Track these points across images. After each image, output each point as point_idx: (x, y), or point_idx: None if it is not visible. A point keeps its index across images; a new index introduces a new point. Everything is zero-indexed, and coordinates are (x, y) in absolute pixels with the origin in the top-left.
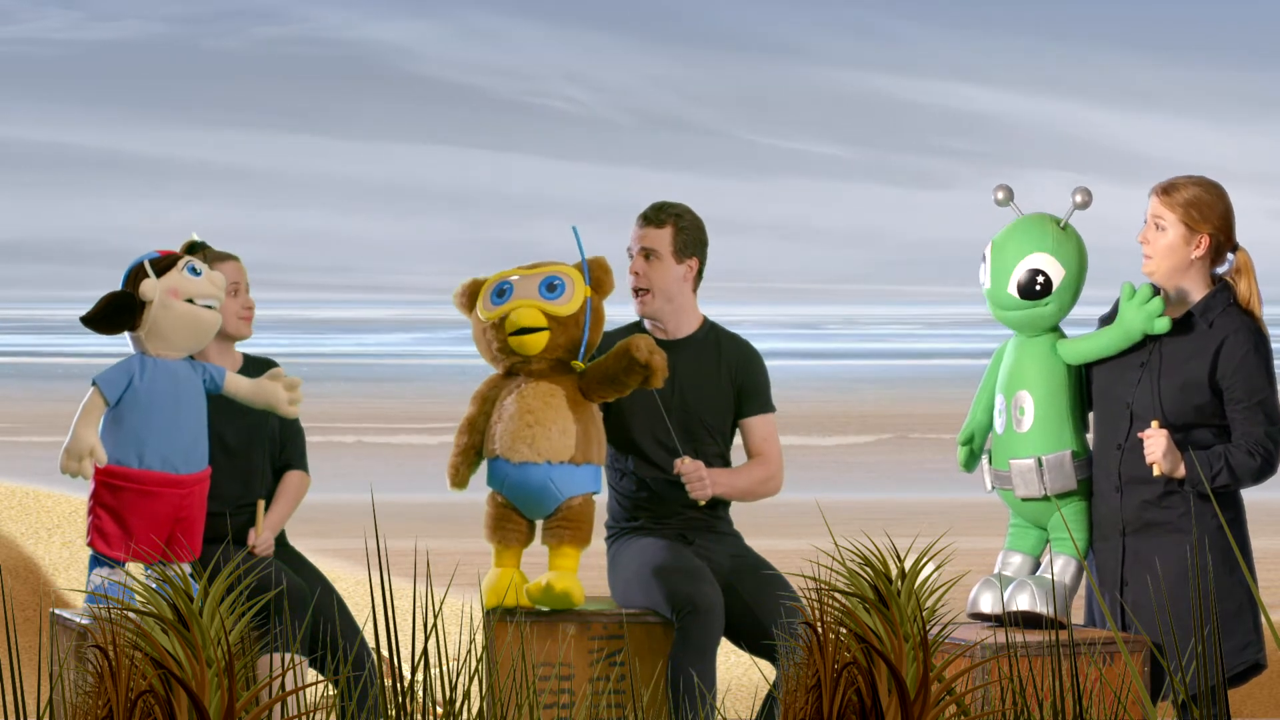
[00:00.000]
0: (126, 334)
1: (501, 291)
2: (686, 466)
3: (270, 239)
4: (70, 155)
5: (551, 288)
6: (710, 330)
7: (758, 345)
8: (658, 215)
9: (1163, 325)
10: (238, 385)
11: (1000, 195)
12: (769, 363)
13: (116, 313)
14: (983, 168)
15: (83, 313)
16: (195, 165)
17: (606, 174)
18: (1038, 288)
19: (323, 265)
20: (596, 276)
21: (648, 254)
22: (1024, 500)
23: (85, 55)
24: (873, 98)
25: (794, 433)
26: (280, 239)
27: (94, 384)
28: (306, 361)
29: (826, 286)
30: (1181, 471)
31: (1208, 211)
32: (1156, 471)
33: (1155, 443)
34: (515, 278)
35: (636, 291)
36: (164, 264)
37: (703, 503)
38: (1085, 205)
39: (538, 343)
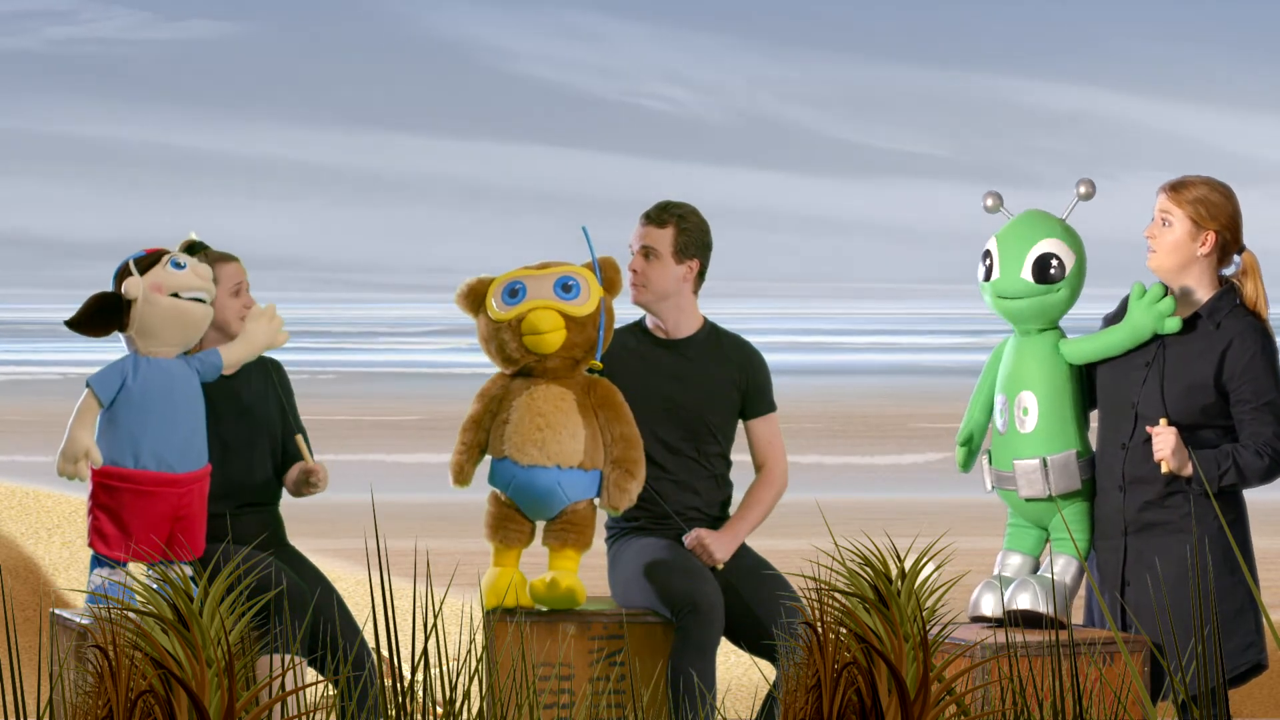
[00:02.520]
0: (121, 336)
1: (514, 292)
2: (693, 543)
3: (363, 238)
4: (154, 155)
5: (566, 288)
6: (711, 331)
7: (854, 349)
8: (660, 215)
9: (1173, 325)
10: (233, 353)
11: (989, 202)
12: (857, 368)
13: (101, 314)
14: (1081, 168)
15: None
16: (287, 164)
17: (704, 173)
18: (1052, 271)
19: (419, 265)
20: (608, 277)
21: (647, 253)
22: (1028, 501)
23: (161, 54)
24: (973, 97)
25: (892, 449)
26: (373, 238)
27: (88, 385)
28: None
29: (925, 287)
30: (1189, 470)
31: (1215, 210)
32: (1165, 469)
33: (1164, 440)
34: (528, 278)
35: (634, 286)
36: (148, 261)
37: (720, 567)
38: (1089, 196)
39: (554, 342)
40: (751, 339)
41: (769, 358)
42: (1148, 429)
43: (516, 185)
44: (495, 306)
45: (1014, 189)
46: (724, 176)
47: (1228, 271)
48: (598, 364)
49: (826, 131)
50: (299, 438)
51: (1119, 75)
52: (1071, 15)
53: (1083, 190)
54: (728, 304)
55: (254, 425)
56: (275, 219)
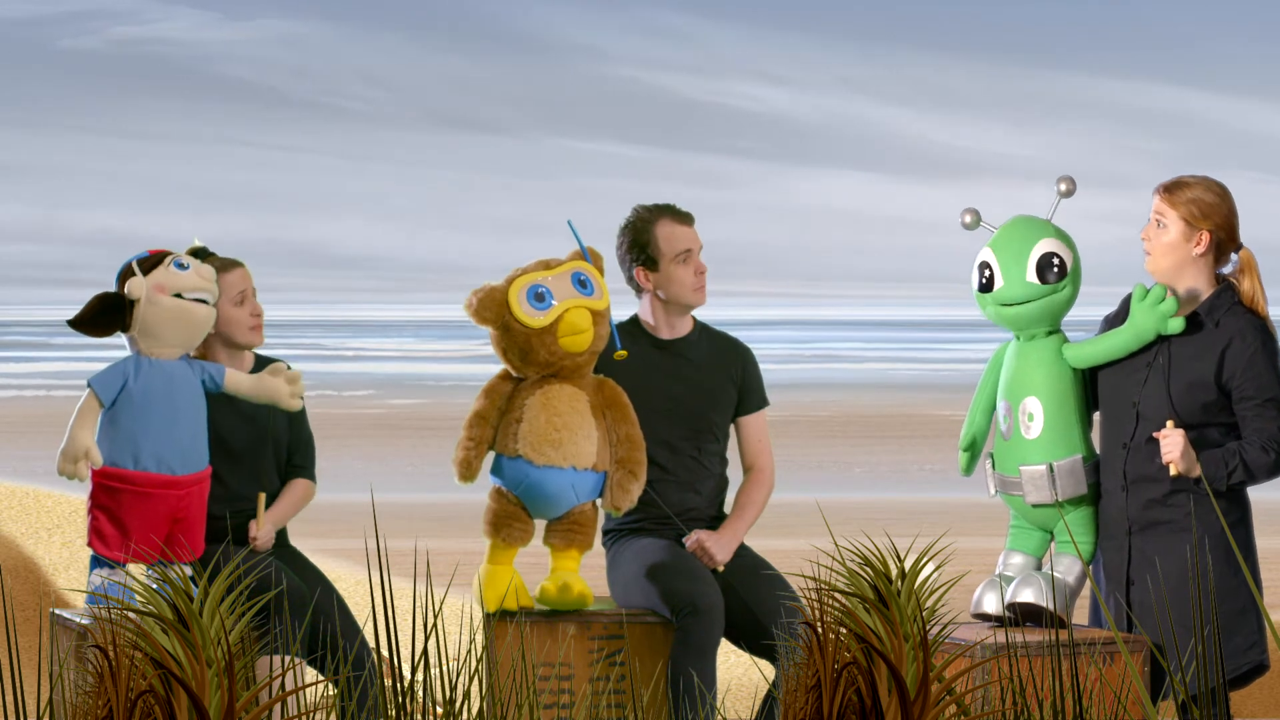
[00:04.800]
0: (124, 337)
1: (540, 295)
2: (693, 546)
3: (449, 240)
4: (221, 155)
5: (583, 284)
6: (703, 330)
7: (945, 349)
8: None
9: (1176, 325)
10: (239, 382)
11: (968, 219)
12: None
13: (104, 313)
14: (1174, 169)
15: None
16: (367, 168)
17: (790, 173)
18: (1055, 269)
19: (499, 265)
20: (600, 267)
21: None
22: (1034, 506)
23: (226, 53)
24: (1064, 98)
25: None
26: (460, 241)
27: (89, 385)
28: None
29: None
30: (1198, 471)
31: (1209, 210)
32: (1174, 471)
33: (1172, 442)
34: (546, 279)
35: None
36: (151, 262)
37: (721, 569)
38: (1069, 194)
39: (588, 340)
40: (839, 344)
41: (848, 367)
42: (1155, 433)
43: (605, 185)
44: (526, 313)
45: (1106, 190)
46: (814, 176)
47: (1225, 270)
48: (623, 353)
49: (917, 131)
50: (261, 496)
51: (1212, 76)
52: (1165, 15)
53: (1063, 188)
54: (816, 307)
55: (257, 429)
56: (355, 219)
